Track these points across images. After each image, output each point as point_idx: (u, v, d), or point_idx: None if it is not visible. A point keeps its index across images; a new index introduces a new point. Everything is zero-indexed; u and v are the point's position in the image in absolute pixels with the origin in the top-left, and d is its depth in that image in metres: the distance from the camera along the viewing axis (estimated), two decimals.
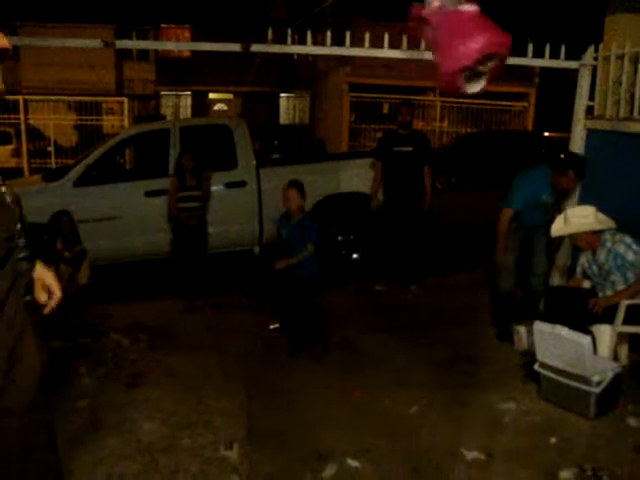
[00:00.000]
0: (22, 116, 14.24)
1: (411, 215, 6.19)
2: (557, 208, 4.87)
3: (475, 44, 3.16)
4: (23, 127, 14.27)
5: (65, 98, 17.27)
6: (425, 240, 6.52)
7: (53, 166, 14.04)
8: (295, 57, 23.61)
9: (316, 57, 21.68)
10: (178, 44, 16.48)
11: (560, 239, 4.88)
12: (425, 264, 6.52)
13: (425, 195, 6.19)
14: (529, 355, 4.35)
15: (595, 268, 4.29)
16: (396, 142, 6.20)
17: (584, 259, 4.42)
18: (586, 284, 4.61)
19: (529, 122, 20.44)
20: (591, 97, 5.21)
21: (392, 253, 6.33)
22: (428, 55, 5.20)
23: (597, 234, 4.19)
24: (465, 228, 8.74)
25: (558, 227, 4.29)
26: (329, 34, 4.96)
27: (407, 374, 4.30)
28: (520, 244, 4.89)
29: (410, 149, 6.13)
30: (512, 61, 5.23)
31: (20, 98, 14.42)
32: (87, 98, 16.39)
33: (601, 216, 4.20)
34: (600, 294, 4.29)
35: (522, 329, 4.51)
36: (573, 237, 4.33)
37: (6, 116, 15.02)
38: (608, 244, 4.16)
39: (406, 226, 6.19)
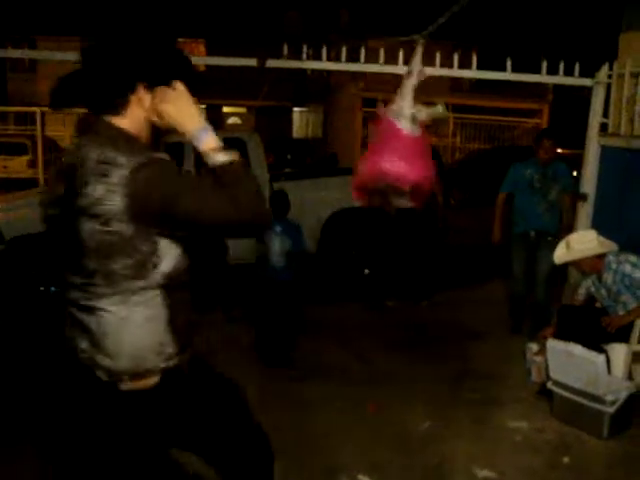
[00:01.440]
0: (39, 127, 14.39)
1: (423, 230, 6.19)
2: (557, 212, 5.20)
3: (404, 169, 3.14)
4: (39, 138, 14.41)
5: (81, 111, 17.43)
6: (437, 255, 6.51)
7: None
8: (309, 72, 23.75)
9: (329, 72, 21.79)
10: (195, 58, 16.60)
11: None
12: (437, 279, 6.51)
13: (437, 210, 6.20)
14: (529, 384, 4.35)
15: (604, 291, 4.27)
16: None
17: (589, 283, 4.41)
18: (598, 304, 4.59)
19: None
20: (605, 114, 5.21)
21: (403, 268, 6.33)
22: (441, 71, 5.26)
23: (601, 257, 4.18)
24: (477, 244, 8.71)
25: (561, 254, 4.29)
26: (344, 50, 5.00)
27: (419, 390, 4.28)
28: (529, 252, 5.23)
29: None
30: (526, 78, 5.27)
31: (37, 110, 14.59)
32: None
33: (602, 239, 4.19)
34: (612, 316, 4.26)
35: (540, 359, 4.30)
36: (576, 263, 4.32)
37: (23, 127, 15.21)
38: (613, 265, 4.14)
39: (418, 242, 6.19)
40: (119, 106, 1.79)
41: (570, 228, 5.21)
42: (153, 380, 1.80)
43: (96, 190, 1.64)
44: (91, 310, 1.76)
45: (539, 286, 5.24)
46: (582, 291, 4.49)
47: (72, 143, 1.90)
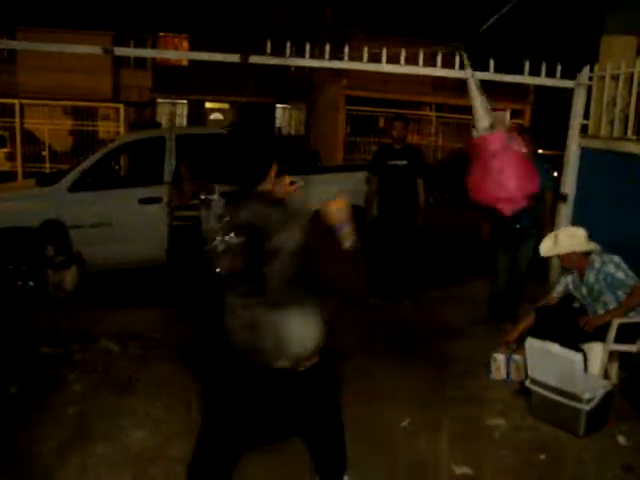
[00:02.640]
0: (17, 120, 14.21)
1: (405, 229, 6.20)
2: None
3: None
4: (18, 131, 14.23)
5: (61, 103, 17.27)
6: (418, 254, 6.53)
7: (47, 171, 14.01)
8: (292, 69, 23.72)
9: (313, 69, 21.77)
10: (177, 53, 16.57)
11: None
12: (419, 278, 6.53)
13: (419, 209, 6.21)
14: (508, 383, 4.38)
15: (584, 290, 4.32)
16: (390, 156, 6.23)
17: (568, 280, 4.45)
18: (576, 304, 4.64)
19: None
20: (586, 116, 5.26)
21: (385, 267, 6.33)
22: (425, 71, 5.28)
23: (586, 256, 4.22)
24: (458, 242, 8.77)
25: (547, 247, 4.33)
26: (327, 47, 4.99)
27: (398, 388, 4.29)
28: (514, 245, 5.56)
29: (405, 163, 6.15)
30: (508, 79, 5.31)
31: (16, 102, 14.40)
32: (83, 103, 16.40)
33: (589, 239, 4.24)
34: (591, 315, 4.31)
35: (500, 357, 4.49)
36: (562, 258, 4.36)
37: (1, 119, 15.01)
38: (597, 265, 4.19)
39: (400, 240, 6.20)
40: (264, 180, 2.67)
41: (551, 224, 5.44)
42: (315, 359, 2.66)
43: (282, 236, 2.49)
44: (282, 315, 2.52)
45: (516, 271, 5.64)
46: (560, 289, 4.52)
47: (235, 206, 2.61)
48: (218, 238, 2.53)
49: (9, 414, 3.80)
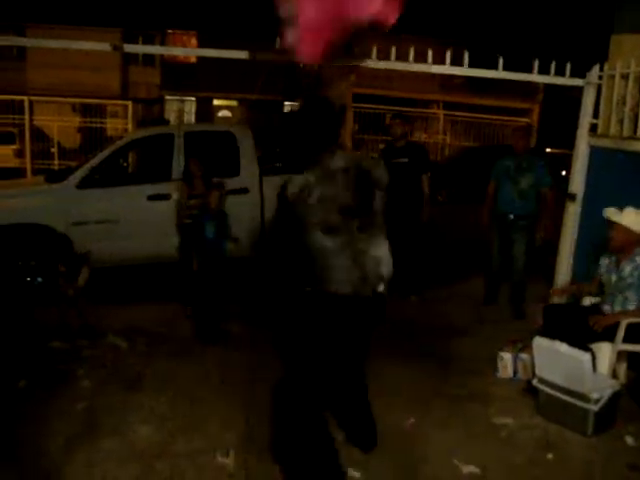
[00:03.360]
0: (27, 117, 14.27)
1: (410, 225, 6.20)
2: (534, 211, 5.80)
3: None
4: (27, 127, 14.29)
5: (70, 100, 17.34)
6: (424, 251, 6.52)
7: (56, 167, 14.07)
8: (300, 66, 23.70)
9: (320, 66, 21.77)
10: (186, 50, 16.51)
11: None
12: (425, 275, 6.52)
13: (423, 205, 6.24)
14: (515, 382, 4.37)
15: (614, 277, 4.26)
16: (393, 154, 6.27)
17: (605, 262, 4.37)
18: (586, 301, 4.62)
19: (532, 137, 20.52)
20: (595, 115, 5.23)
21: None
22: (435, 69, 5.26)
23: (636, 244, 4.17)
24: (464, 240, 8.74)
25: (613, 211, 4.23)
26: None
27: (403, 386, 4.29)
28: (505, 232, 5.93)
29: (406, 160, 6.20)
30: (517, 77, 5.27)
31: (25, 99, 14.47)
32: (92, 100, 16.46)
33: None
34: (606, 306, 4.29)
35: (507, 355, 4.48)
36: (613, 234, 4.23)
37: (10, 116, 15.07)
38: (637, 259, 4.15)
39: (405, 236, 6.20)
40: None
41: (547, 217, 5.83)
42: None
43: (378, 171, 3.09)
44: (380, 246, 3.05)
45: (516, 264, 5.90)
46: (601, 270, 4.42)
47: (326, 158, 2.99)
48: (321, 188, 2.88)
49: (18, 408, 3.82)
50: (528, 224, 5.80)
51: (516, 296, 5.98)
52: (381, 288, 3.09)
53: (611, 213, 4.23)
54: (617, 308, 4.21)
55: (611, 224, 4.21)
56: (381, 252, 3.08)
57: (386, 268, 3.09)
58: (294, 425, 2.99)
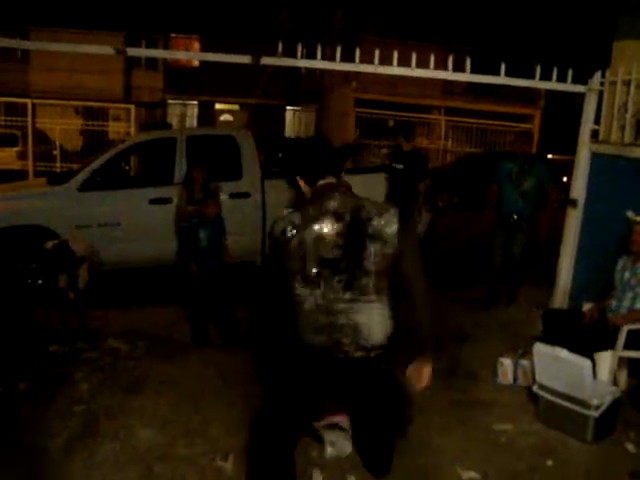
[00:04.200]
0: (29, 119, 14.30)
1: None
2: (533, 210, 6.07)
3: None
4: (30, 130, 14.32)
5: (73, 103, 17.37)
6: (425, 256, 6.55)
7: (58, 170, 14.09)
8: (302, 71, 23.76)
9: (323, 71, 21.81)
10: (189, 54, 16.57)
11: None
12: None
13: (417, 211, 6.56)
14: (516, 387, 4.36)
15: (628, 274, 4.26)
16: (395, 159, 6.42)
17: (621, 262, 4.37)
18: (586, 307, 4.61)
19: (533, 144, 20.53)
20: (596, 121, 5.24)
21: None
22: (437, 74, 5.28)
23: None
24: (465, 246, 8.74)
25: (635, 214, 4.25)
26: (339, 50, 4.99)
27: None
28: (508, 231, 6.14)
29: (401, 167, 6.34)
30: (519, 83, 5.29)
31: (28, 101, 14.50)
32: (94, 104, 16.49)
33: None
34: (614, 302, 4.29)
35: (507, 361, 4.47)
36: (635, 236, 4.23)
37: (13, 119, 15.11)
38: None
39: None
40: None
41: (548, 218, 6.12)
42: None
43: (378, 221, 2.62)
44: (366, 311, 2.64)
45: (514, 261, 6.17)
46: (616, 269, 4.42)
47: (318, 198, 2.70)
48: (314, 227, 2.61)
49: (17, 410, 3.82)
50: (529, 224, 6.09)
51: (512, 282, 6.30)
52: (358, 354, 2.67)
53: (633, 215, 4.25)
54: (625, 304, 4.20)
55: (634, 226, 4.23)
56: (365, 319, 2.65)
57: (371, 337, 2.67)
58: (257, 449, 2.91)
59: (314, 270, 2.60)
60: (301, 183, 2.81)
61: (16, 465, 3.23)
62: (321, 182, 2.74)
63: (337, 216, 2.61)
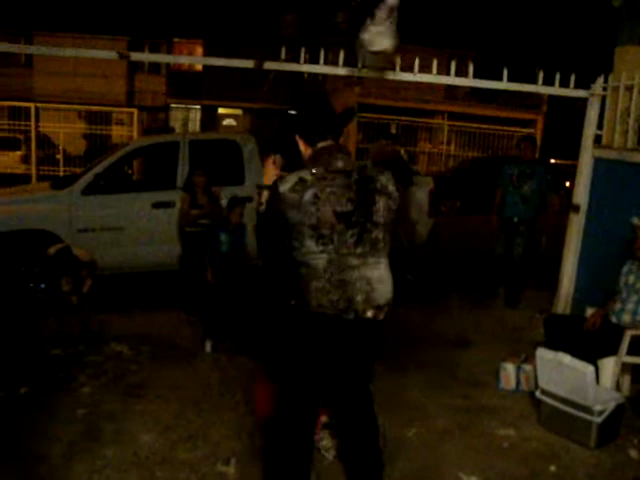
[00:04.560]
0: (33, 123, 14.33)
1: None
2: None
3: None
4: (33, 134, 14.35)
5: (76, 107, 17.42)
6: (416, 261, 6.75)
7: (61, 174, 14.12)
8: (305, 75, 23.80)
9: (326, 76, 21.85)
10: (192, 58, 16.62)
11: None
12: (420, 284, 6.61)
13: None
14: (518, 393, 4.35)
15: (632, 278, 4.27)
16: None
17: (626, 267, 4.37)
18: (588, 312, 4.60)
19: (536, 148, 20.53)
20: (599, 126, 5.24)
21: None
22: (440, 79, 5.28)
23: None
24: (467, 251, 8.73)
25: None
26: (342, 54, 5.00)
27: (405, 395, 4.28)
28: (509, 233, 6.35)
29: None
30: (522, 88, 5.29)
31: (32, 105, 14.53)
32: (97, 108, 16.52)
33: None
34: (618, 305, 4.29)
35: (509, 366, 4.46)
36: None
37: (17, 123, 15.15)
38: None
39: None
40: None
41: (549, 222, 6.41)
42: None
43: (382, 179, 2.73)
44: (376, 265, 2.69)
45: (515, 262, 6.33)
46: (622, 273, 4.42)
47: (324, 157, 2.71)
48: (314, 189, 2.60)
49: (19, 414, 3.82)
50: (529, 227, 6.28)
51: (513, 285, 6.45)
52: (369, 314, 2.67)
53: (638, 221, 4.26)
54: (629, 308, 4.20)
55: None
56: (376, 273, 2.69)
57: (381, 293, 2.69)
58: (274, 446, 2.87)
59: (329, 225, 2.60)
60: (301, 143, 2.82)
61: (18, 470, 3.23)
62: (322, 143, 2.76)
63: (346, 173, 2.66)
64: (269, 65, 4.98)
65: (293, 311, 2.71)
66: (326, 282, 2.61)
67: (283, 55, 5.02)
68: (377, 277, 2.68)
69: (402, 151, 18.25)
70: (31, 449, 3.43)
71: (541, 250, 6.50)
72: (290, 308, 2.72)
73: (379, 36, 3.71)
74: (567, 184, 15.01)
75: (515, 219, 6.27)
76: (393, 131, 18.58)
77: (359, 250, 2.65)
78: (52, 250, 5.34)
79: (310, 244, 2.61)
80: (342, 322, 2.65)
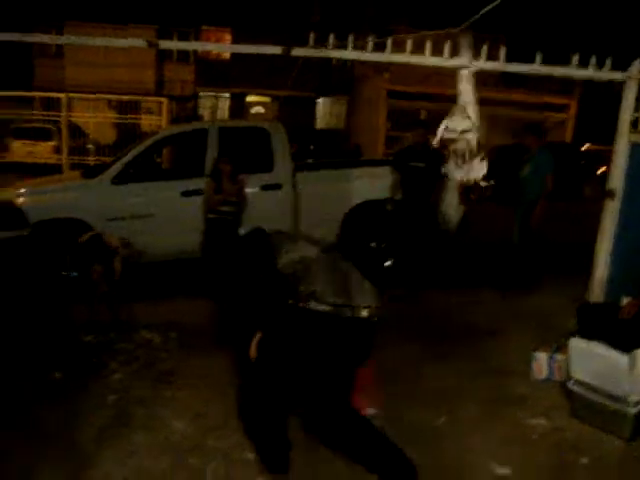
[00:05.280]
0: (64, 113, 14.52)
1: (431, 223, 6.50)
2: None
3: None
4: (64, 124, 14.54)
5: (106, 96, 17.58)
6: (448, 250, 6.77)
7: (91, 163, 14.29)
8: (334, 62, 23.67)
9: (354, 63, 21.68)
10: (220, 46, 16.65)
11: None
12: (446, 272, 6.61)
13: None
14: (550, 382, 4.28)
15: None
16: (413, 156, 6.53)
17: None
18: (624, 301, 4.49)
19: (569, 133, 20.13)
20: (636, 110, 5.09)
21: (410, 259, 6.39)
22: (469, 63, 5.18)
23: None
24: (496, 241, 8.59)
25: None
26: (370, 40, 4.94)
27: (434, 385, 4.24)
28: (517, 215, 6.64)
29: (422, 165, 6.41)
30: (555, 71, 5.17)
31: (63, 96, 14.71)
32: (127, 97, 16.66)
33: None
34: None
35: (542, 356, 4.39)
36: None
37: (48, 113, 15.36)
38: None
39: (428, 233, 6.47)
40: None
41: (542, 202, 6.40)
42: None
43: None
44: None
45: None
46: None
47: None
48: None
49: (52, 399, 3.88)
50: (526, 207, 6.48)
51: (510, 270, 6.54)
52: (364, 313, 2.95)
53: None
54: None
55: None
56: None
57: (374, 292, 3.03)
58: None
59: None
60: None
61: (50, 454, 3.29)
62: None
63: None
64: (297, 52, 4.95)
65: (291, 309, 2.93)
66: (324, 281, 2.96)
67: (311, 41, 4.98)
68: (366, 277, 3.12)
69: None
70: (63, 433, 3.49)
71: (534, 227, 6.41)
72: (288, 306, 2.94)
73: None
74: (601, 170, 14.69)
75: (521, 200, 6.57)
76: (423, 118, 18.39)
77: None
78: (84, 238, 5.40)
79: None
80: (339, 321, 2.90)
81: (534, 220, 6.38)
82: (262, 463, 3.20)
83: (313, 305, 2.87)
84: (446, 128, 5.11)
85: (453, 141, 4.99)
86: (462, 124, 4.86)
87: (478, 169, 5.17)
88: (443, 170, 5.63)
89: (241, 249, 3.29)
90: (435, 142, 5.35)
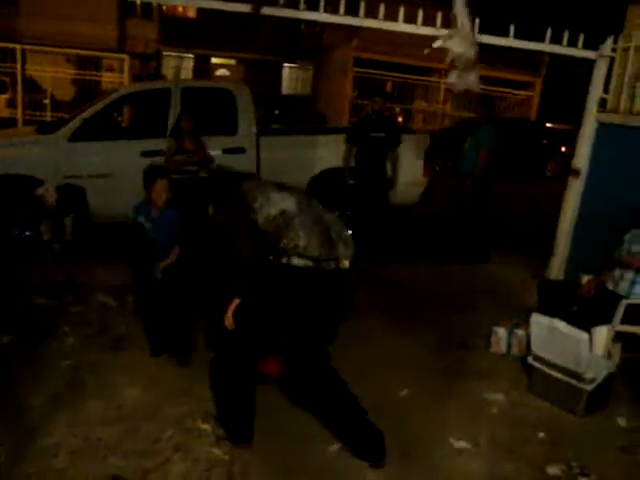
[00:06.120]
0: (19, 66, 13.94)
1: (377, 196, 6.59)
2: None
3: None
4: (19, 77, 13.96)
5: (65, 50, 16.93)
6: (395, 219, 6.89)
7: (48, 119, 13.79)
8: (302, 26, 23.26)
9: (323, 29, 21.34)
10: (186, 0, 16.05)
11: None
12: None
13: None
14: (509, 357, 4.32)
15: (637, 247, 4.13)
16: (372, 127, 6.48)
17: (628, 236, 4.22)
18: (584, 279, 4.53)
19: (533, 111, 20.30)
20: (604, 90, 5.09)
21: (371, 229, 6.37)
22: (443, 32, 5.09)
23: None
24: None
25: None
26: (342, 2, 4.80)
27: (397, 356, 4.23)
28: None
29: (382, 135, 6.42)
30: (528, 46, 5.13)
31: (17, 47, 14.11)
32: (87, 52, 16.06)
33: None
34: (617, 272, 4.18)
35: (501, 330, 4.42)
36: None
37: (2, 65, 14.71)
38: None
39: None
40: None
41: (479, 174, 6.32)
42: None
43: None
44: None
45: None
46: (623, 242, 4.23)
47: None
48: None
49: (1, 364, 3.73)
50: (464, 180, 6.41)
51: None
52: (347, 264, 2.98)
53: None
54: (629, 276, 4.11)
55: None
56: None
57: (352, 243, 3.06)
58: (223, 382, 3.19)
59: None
60: None
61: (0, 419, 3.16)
62: None
63: None
64: (267, 10, 4.76)
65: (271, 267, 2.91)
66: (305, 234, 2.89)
67: (282, 0, 4.81)
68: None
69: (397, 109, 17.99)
70: (13, 398, 3.36)
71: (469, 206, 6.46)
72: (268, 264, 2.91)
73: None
74: (563, 149, 14.87)
75: (461, 170, 6.55)
76: (389, 89, 18.26)
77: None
78: (39, 191, 5.19)
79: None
80: (321, 274, 2.89)
81: (465, 193, 6.34)
82: (226, 433, 3.14)
83: (296, 261, 2.83)
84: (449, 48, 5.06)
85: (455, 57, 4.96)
86: (461, 45, 4.84)
87: (473, 82, 5.13)
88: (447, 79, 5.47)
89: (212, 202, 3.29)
90: (446, 61, 5.15)
